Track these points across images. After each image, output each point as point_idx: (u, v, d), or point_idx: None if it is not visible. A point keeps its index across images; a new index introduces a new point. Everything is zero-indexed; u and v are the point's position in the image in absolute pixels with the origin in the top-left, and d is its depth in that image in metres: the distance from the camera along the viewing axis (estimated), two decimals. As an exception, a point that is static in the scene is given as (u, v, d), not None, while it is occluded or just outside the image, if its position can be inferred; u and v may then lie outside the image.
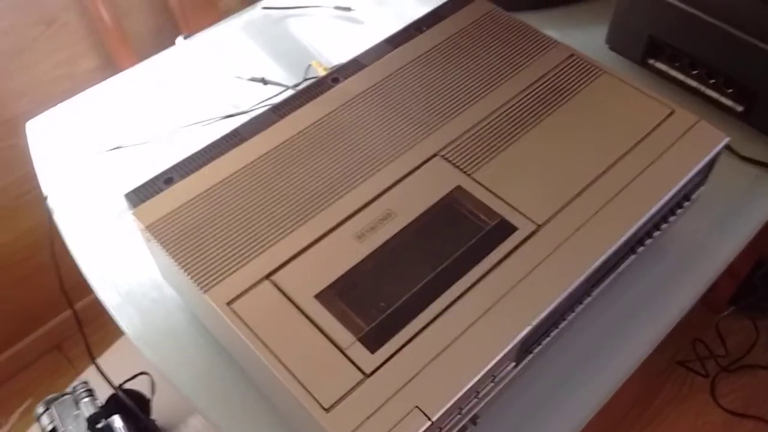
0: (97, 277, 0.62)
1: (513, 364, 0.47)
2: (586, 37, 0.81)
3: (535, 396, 0.54)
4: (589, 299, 0.52)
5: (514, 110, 0.57)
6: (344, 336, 0.45)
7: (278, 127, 0.57)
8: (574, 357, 0.56)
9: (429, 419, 0.41)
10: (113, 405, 0.72)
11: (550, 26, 0.83)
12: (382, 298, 0.47)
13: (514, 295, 0.46)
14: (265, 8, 0.86)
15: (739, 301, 1.32)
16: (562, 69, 0.60)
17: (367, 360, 0.43)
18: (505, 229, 0.50)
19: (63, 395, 0.73)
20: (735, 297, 1.32)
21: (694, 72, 0.72)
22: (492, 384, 0.46)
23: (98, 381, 0.65)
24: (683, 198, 0.57)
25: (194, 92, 0.77)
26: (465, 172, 0.53)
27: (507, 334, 0.44)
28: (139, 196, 0.53)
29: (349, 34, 0.83)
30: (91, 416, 0.68)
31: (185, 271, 0.48)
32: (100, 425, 0.70)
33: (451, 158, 0.54)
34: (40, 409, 0.73)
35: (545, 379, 0.55)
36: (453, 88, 0.59)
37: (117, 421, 0.70)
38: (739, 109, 0.70)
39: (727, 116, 0.71)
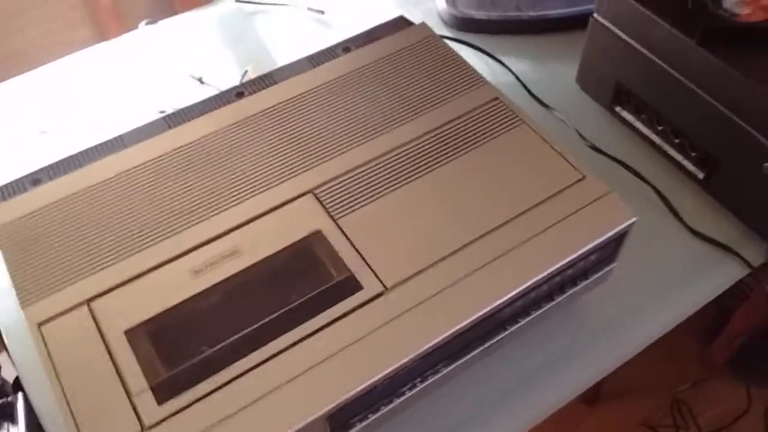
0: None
1: (325, 436, 0.43)
2: (560, 71, 0.74)
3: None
4: (436, 377, 0.47)
5: (412, 151, 0.53)
6: (138, 381, 0.42)
7: (161, 139, 0.54)
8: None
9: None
10: (18, 386, 0.73)
11: (527, 54, 0.76)
12: (194, 343, 0.44)
13: (331, 363, 0.42)
14: (238, 1, 0.83)
15: (736, 364, 1.21)
16: (480, 113, 0.55)
17: (152, 412, 0.41)
18: (351, 286, 0.46)
19: (-30, 367, 0.75)
20: (733, 359, 1.21)
21: (660, 128, 0.65)
22: (292, 455, 0.42)
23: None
24: (582, 275, 0.51)
25: (139, 83, 0.75)
26: (332, 216, 0.49)
27: (309, 407, 0.41)
28: (2, 194, 0.52)
29: (315, 38, 0.79)
30: (-13, 392, 0.70)
31: (13, 281, 0.47)
32: (1, 401, 0.71)
33: (323, 198, 0.50)
34: (-54, 377, 0.75)
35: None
36: (356, 119, 0.55)
37: (20, 400, 0.71)
38: (701, 175, 0.62)
39: (689, 182, 0.64)
